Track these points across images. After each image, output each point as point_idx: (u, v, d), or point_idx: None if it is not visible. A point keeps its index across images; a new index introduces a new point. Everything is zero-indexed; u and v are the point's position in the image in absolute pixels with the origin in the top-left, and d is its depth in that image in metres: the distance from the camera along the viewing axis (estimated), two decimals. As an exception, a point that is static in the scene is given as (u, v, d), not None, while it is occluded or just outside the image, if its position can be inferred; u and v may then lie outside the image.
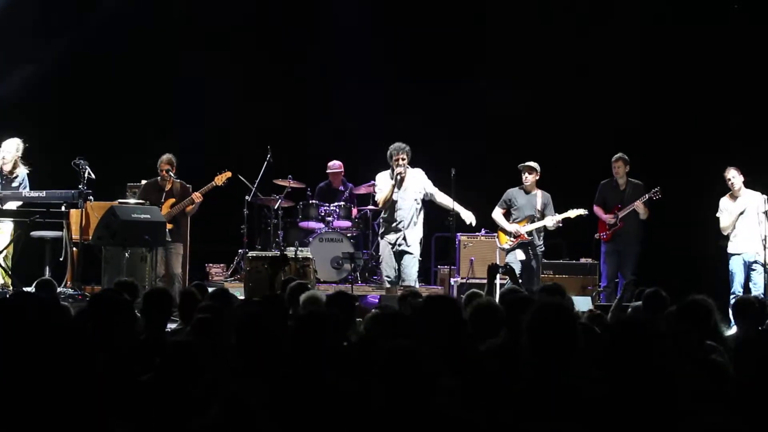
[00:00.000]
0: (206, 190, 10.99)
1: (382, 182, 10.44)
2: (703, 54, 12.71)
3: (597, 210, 11.37)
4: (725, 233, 10.98)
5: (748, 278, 10.82)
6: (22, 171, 10.89)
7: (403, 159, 10.25)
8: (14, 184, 10.81)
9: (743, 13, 12.54)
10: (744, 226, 10.85)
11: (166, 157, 10.92)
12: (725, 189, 11.04)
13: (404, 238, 10.29)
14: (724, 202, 11.01)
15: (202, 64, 13.31)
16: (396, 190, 10.31)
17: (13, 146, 10.80)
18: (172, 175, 10.87)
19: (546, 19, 13.34)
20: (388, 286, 10.39)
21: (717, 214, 11.05)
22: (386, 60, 13.59)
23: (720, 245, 11.10)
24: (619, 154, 11.38)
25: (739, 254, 10.87)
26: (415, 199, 10.37)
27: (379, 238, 10.85)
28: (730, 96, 12.56)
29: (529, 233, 10.75)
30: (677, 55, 12.92)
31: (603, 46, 13.04)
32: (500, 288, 10.62)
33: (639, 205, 11.06)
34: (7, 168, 10.77)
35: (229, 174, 11.09)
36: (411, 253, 10.30)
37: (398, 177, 10.26)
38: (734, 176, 10.86)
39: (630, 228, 11.18)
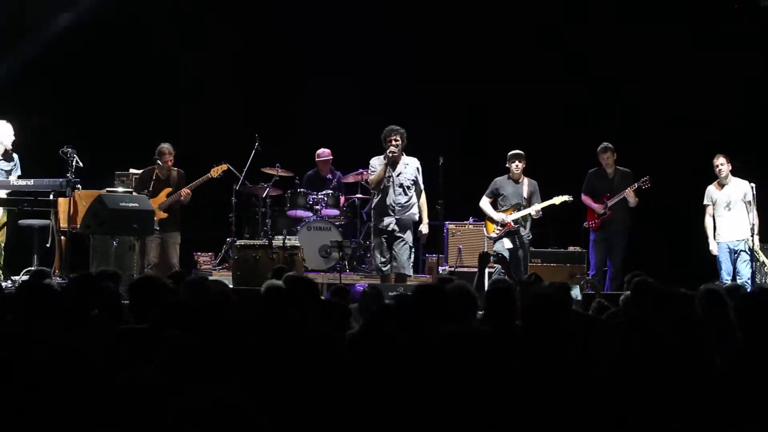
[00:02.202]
0: (200, 183, 11.00)
1: (377, 165, 10.34)
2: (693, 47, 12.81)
3: (586, 199, 11.36)
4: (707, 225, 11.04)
5: (734, 267, 10.83)
6: (14, 154, 10.89)
7: (396, 140, 10.06)
8: (9, 168, 10.82)
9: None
10: (730, 215, 10.87)
11: (166, 147, 10.88)
12: (712, 176, 11.08)
13: (396, 224, 10.20)
14: (711, 190, 11.04)
15: (192, 51, 13.28)
16: (389, 172, 10.22)
17: (10, 128, 10.79)
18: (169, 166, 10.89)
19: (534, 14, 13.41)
20: (383, 272, 10.27)
21: (704, 202, 11.07)
22: (379, 48, 13.58)
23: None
24: (604, 144, 11.34)
25: (724, 242, 10.90)
26: (407, 186, 10.21)
27: (371, 224, 10.77)
28: (721, 88, 12.63)
29: (516, 221, 10.78)
30: (667, 48, 13.00)
31: (593, 39, 13.11)
32: (489, 277, 10.73)
33: (629, 193, 11.07)
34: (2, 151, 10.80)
35: (225, 166, 11.11)
36: (403, 240, 10.16)
37: (390, 156, 10.04)
38: (722, 163, 10.87)
39: (619, 216, 11.20)
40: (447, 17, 13.46)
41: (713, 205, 10.99)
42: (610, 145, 11.31)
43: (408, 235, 10.22)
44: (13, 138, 10.77)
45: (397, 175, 10.17)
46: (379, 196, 10.28)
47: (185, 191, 10.87)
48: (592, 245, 11.35)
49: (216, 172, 10.99)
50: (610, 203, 11.16)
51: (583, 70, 13.24)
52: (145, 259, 10.66)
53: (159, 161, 10.88)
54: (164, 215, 10.72)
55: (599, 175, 11.39)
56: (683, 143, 12.61)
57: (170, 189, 10.92)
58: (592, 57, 13.18)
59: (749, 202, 10.73)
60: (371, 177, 10.33)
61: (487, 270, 10.58)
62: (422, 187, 10.33)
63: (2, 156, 10.76)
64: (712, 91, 12.58)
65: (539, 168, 11.17)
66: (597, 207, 11.23)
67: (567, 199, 10.95)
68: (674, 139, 12.77)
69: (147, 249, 10.70)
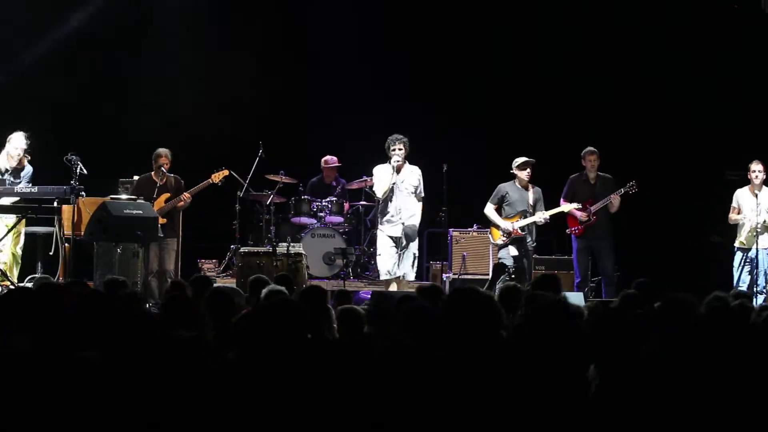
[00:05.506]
0: (201, 188, 10.97)
1: (381, 175, 10.42)
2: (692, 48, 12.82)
3: (565, 205, 11.24)
4: (732, 222, 10.98)
5: (751, 274, 10.71)
6: (28, 165, 10.89)
7: (399, 149, 10.27)
8: (22, 177, 10.83)
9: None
10: (755, 222, 10.76)
11: (163, 151, 10.88)
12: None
13: (402, 230, 10.32)
14: (741, 194, 10.96)
15: (197, 60, 13.30)
16: (394, 179, 10.32)
17: (23, 140, 10.78)
18: (165, 171, 10.84)
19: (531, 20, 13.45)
20: (386, 278, 10.40)
21: (732, 204, 10.98)
22: (380, 55, 13.59)
23: (713, 241, 11.11)
24: (590, 147, 11.26)
25: (743, 249, 10.84)
26: (412, 192, 10.43)
27: (377, 231, 10.80)
28: (722, 90, 12.64)
29: (522, 228, 10.76)
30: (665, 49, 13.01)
31: (593, 40, 13.13)
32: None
33: (615, 198, 11.02)
34: (13, 163, 10.74)
35: (226, 172, 11.07)
36: (408, 246, 10.36)
37: (394, 165, 10.27)
38: (760, 171, 10.82)
39: (602, 222, 11.13)
40: (448, 19, 13.47)
41: (738, 208, 10.93)
42: (595, 149, 11.25)
43: (413, 242, 10.40)
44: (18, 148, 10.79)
45: (402, 182, 10.30)
46: (384, 205, 10.42)
47: (186, 195, 10.84)
48: (576, 252, 11.23)
49: (217, 177, 10.96)
50: (593, 209, 11.09)
51: (584, 71, 13.22)
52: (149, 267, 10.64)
53: (155, 165, 10.88)
54: (163, 221, 10.69)
55: (581, 181, 11.30)
56: (674, 146, 12.61)
57: (168, 194, 10.89)
58: (593, 57, 13.17)
59: None
60: (377, 188, 10.43)
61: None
62: (422, 195, 10.49)
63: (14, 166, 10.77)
64: (712, 91, 12.59)
65: (541, 173, 11.15)
66: (580, 215, 11.13)
67: (576, 207, 10.94)
68: (666, 142, 12.76)
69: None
